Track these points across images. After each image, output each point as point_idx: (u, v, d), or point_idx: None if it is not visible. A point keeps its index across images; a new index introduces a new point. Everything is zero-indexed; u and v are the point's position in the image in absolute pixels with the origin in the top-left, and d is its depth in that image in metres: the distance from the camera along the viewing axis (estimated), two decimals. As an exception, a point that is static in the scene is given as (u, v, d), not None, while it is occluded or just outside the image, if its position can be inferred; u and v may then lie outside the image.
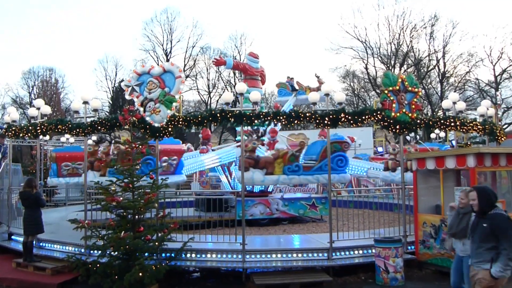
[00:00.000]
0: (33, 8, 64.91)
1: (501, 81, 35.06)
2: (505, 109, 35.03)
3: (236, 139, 14.14)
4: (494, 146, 10.47)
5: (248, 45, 42.04)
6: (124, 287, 6.43)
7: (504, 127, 31.62)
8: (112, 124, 8.59)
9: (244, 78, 14.23)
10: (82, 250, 8.33)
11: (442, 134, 19.16)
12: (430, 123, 8.89)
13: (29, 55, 60.66)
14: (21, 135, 9.75)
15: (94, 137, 17.88)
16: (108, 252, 7.02)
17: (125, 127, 8.19)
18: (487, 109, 10.53)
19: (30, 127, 9.44)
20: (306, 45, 68.60)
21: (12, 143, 11.16)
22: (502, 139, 10.49)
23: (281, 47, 67.09)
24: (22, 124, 10.02)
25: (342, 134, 12.00)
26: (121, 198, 7.18)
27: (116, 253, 6.94)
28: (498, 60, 34.37)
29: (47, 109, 9.97)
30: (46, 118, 9.78)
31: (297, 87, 14.52)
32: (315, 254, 7.94)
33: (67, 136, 17.79)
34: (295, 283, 7.17)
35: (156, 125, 8.30)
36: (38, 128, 9.27)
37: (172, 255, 7.48)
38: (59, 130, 9.02)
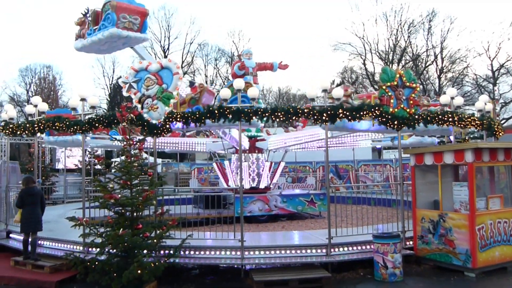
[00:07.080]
0: (30, 5, 64.60)
1: (498, 76, 35.09)
2: (503, 104, 35.10)
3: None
4: (492, 141, 10.48)
5: (246, 41, 42.07)
6: (122, 285, 6.42)
7: (502, 122, 31.69)
8: (110, 121, 8.57)
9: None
10: (81, 248, 8.34)
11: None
12: (428, 118, 8.89)
13: (26, 52, 60.51)
14: (18, 132, 9.71)
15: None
16: (106, 250, 7.00)
17: (123, 124, 8.15)
18: (485, 104, 10.52)
19: (28, 125, 9.40)
20: (304, 41, 68.43)
21: (9, 141, 11.10)
22: (500, 134, 10.50)
23: (278, 43, 66.99)
24: (20, 122, 9.99)
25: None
26: (119, 196, 7.16)
27: (114, 250, 6.92)
28: (496, 55, 34.39)
29: (44, 107, 9.96)
30: (43, 115, 9.74)
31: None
32: (314, 251, 7.94)
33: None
34: (294, 279, 7.16)
35: (153, 122, 8.28)
36: (36, 125, 9.24)
37: (171, 252, 7.45)
38: (57, 127, 8.98)
